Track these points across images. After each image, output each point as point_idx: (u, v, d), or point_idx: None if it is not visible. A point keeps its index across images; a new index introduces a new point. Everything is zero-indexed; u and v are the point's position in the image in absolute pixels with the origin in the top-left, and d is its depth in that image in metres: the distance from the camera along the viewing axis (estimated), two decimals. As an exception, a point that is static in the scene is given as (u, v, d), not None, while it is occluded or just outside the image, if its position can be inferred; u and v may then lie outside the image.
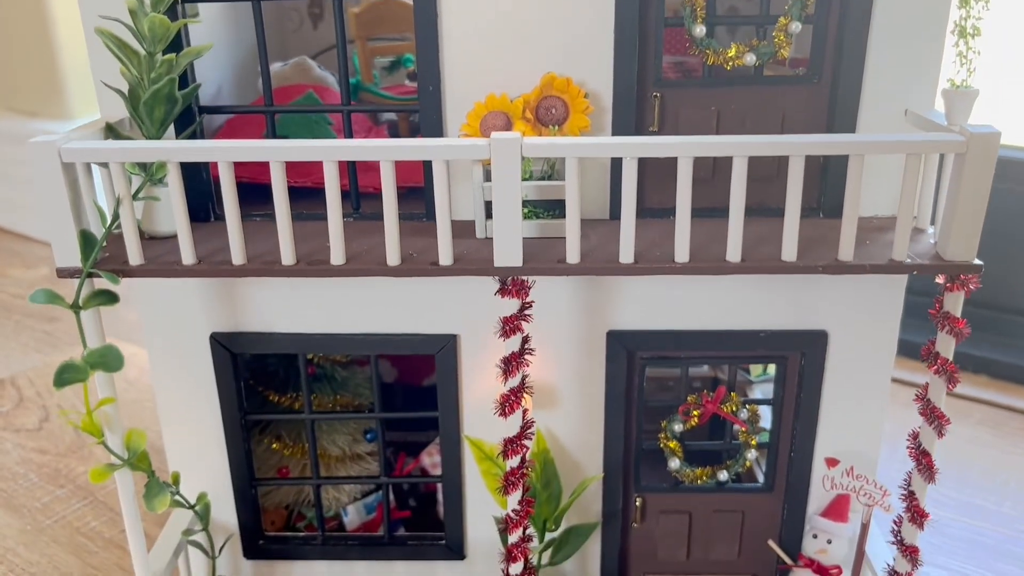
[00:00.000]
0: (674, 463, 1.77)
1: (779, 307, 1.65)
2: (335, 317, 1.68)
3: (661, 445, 1.76)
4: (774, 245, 1.40)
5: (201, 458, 1.79)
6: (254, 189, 1.63)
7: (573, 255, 1.38)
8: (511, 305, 1.40)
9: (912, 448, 1.50)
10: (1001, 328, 2.80)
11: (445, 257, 1.38)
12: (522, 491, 1.53)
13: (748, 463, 1.78)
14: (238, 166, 1.64)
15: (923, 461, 1.48)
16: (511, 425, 1.48)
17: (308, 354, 1.78)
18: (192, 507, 1.69)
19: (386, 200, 1.34)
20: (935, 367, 1.42)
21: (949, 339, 1.40)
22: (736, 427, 1.76)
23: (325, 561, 1.88)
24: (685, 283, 1.64)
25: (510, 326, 1.41)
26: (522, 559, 1.58)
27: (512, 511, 1.54)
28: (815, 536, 1.75)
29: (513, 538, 1.56)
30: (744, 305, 1.65)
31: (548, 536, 1.74)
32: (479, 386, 1.70)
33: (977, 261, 1.35)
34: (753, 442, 1.76)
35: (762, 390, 2.05)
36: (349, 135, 1.58)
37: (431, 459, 2.00)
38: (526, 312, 1.41)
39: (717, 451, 1.83)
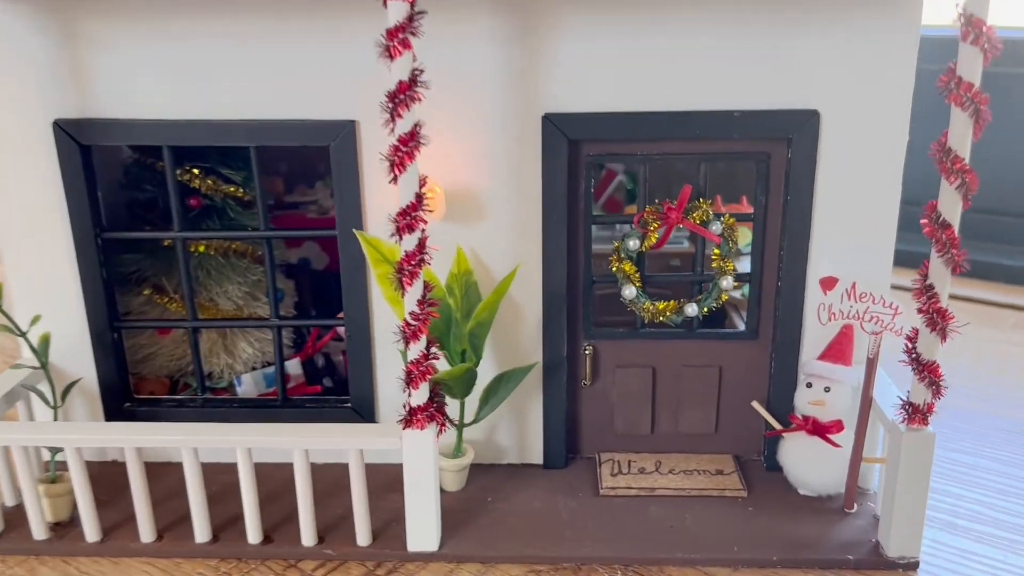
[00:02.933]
0: (629, 291, 1.41)
1: (758, 80, 1.31)
2: (209, 100, 1.36)
3: (613, 268, 1.41)
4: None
5: (49, 289, 1.45)
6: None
7: (474, -64, 1.06)
8: (397, 12, 1.07)
9: (929, 223, 1.14)
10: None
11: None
12: (422, 290, 1.19)
13: (724, 295, 1.42)
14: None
15: (944, 236, 1.12)
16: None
17: (178, 150, 1.43)
18: (22, 333, 1.36)
19: None
20: (955, 95, 1.07)
21: (975, 54, 1.05)
22: (709, 249, 1.41)
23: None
24: (641, 50, 1.30)
25: (396, 40, 1.08)
26: (424, 383, 1.22)
27: (409, 315, 1.19)
28: (809, 385, 1.39)
29: (412, 352, 1.21)
30: (715, 79, 1.31)
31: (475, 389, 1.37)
32: (385, 186, 1.35)
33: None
34: (730, 266, 1.40)
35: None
36: None
37: (347, 322, 1.65)
38: (415, 23, 1.08)
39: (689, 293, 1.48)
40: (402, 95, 1.10)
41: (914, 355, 1.20)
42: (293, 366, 1.70)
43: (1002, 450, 1.60)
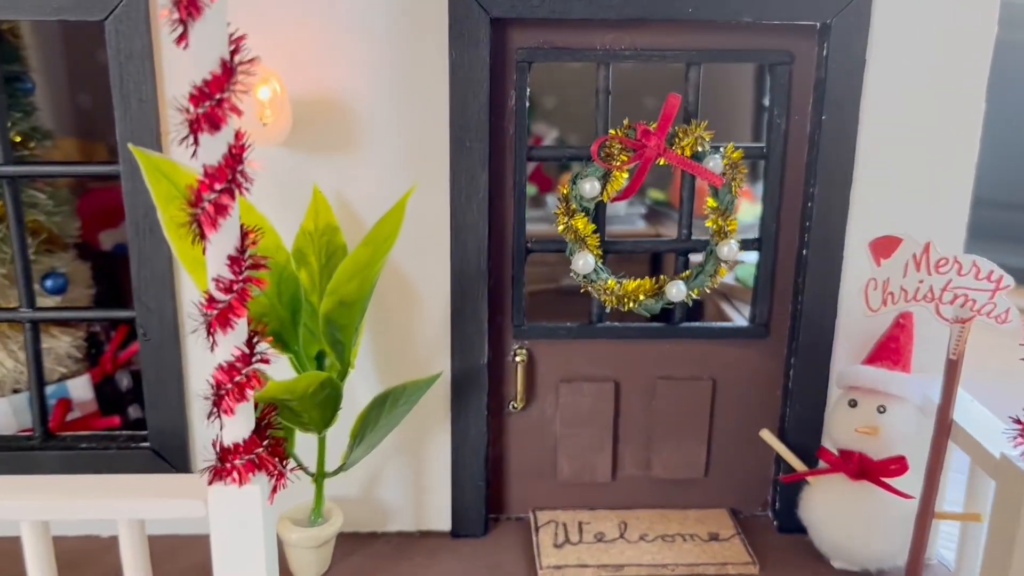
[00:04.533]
0: (584, 261, 0.92)
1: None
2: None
3: (560, 227, 0.92)
4: None
5: None
6: None
7: None
8: None
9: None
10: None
11: None
12: (238, 237, 0.68)
13: (722, 269, 0.95)
14: None
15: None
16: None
17: None
18: None
19: None
20: None
21: None
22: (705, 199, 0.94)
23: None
24: None
25: None
26: (245, 403, 0.70)
27: (215, 282, 0.68)
28: (854, 403, 0.92)
29: (222, 350, 0.69)
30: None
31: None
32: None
33: None
34: (732, 226, 0.93)
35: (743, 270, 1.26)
36: None
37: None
38: None
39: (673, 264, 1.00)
40: None
41: (1047, 346, 0.75)
42: (81, 387, 1.15)
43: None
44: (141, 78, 0.86)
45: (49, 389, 1.17)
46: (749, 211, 1.40)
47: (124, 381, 1.23)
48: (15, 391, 1.15)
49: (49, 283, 1.18)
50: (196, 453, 0.99)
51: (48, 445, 1.00)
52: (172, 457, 0.98)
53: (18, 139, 1.14)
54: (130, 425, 1.18)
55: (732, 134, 1.00)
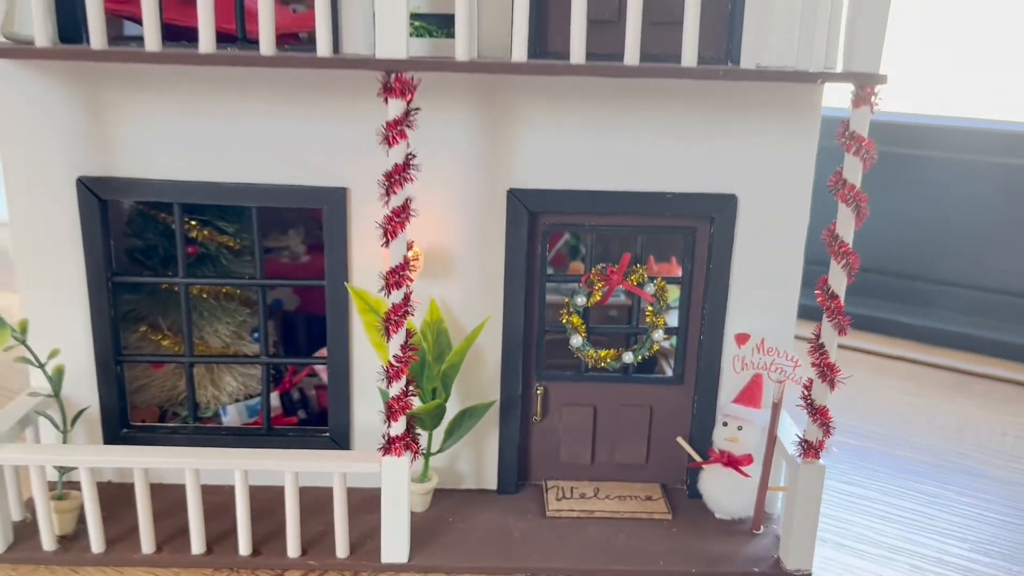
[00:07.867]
0: (576, 340, 1.65)
1: (688, 169, 1.57)
2: (216, 164, 1.56)
3: (564, 320, 1.65)
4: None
5: (61, 326, 1.62)
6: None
7: (462, 51, 1.29)
8: (396, 108, 1.30)
9: (821, 294, 1.40)
10: (922, 297, 2.77)
11: (323, 47, 1.28)
12: (405, 336, 1.41)
13: (655, 345, 1.67)
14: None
15: (832, 305, 1.39)
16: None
17: (185, 205, 1.63)
18: (40, 365, 1.52)
19: (262, -24, 1.24)
20: (841, 194, 1.34)
21: (857, 163, 1.33)
22: (644, 305, 1.66)
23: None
24: (590, 137, 1.56)
25: (395, 131, 1.30)
26: (403, 416, 1.43)
27: (393, 357, 1.40)
28: (725, 424, 1.64)
29: (394, 390, 1.42)
30: (653, 167, 1.57)
31: (444, 421, 1.58)
32: (369, 245, 1.58)
33: (882, 72, 1.29)
34: (660, 321, 1.66)
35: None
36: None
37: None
38: (411, 117, 1.31)
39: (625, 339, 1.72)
40: (397, 175, 1.33)
41: (809, 401, 1.46)
42: (273, 399, 1.88)
43: (887, 483, 1.88)
44: (340, 238, 1.59)
45: (255, 400, 1.92)
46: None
47: (296, 395, 1.96)
48: (236, 400, 1.90)
49: (256, 335, 1.92)
50: (356, 440, 1.72)
51: (270, 433, 1.73)
52: (341, 442, 1.71)
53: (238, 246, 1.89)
54: (303, 423, 1.90)
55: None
